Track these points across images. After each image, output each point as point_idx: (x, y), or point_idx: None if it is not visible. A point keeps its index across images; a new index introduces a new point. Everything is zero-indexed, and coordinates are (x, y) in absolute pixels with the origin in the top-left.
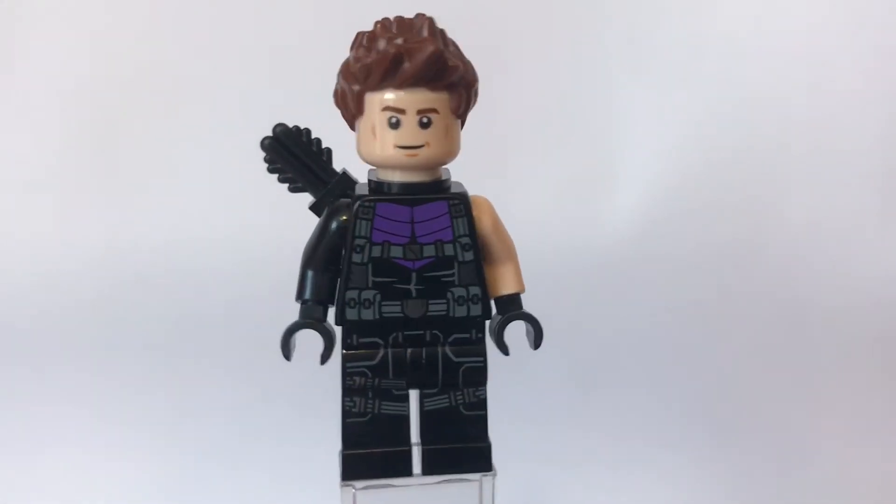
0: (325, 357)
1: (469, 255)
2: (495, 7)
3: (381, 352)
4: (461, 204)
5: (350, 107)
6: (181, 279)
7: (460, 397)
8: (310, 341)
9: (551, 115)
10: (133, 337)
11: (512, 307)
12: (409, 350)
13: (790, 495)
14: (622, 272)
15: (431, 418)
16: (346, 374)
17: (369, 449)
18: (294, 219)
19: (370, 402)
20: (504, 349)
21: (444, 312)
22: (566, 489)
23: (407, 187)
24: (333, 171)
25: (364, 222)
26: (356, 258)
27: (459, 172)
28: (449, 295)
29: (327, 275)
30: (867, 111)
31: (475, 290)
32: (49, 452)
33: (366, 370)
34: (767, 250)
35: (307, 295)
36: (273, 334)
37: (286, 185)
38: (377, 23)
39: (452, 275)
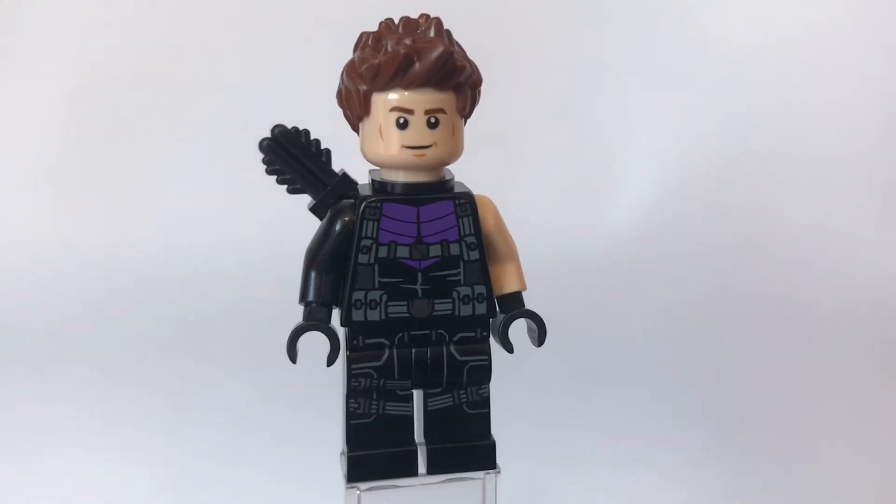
0: (331, 359)
1: (474, 255)
2: (495, 7)
3: (387, 352)
4: (467, 203)
5: (355, 107)
6: (181, 279)
7: (464, 396)
8: (311, 343)
9: (551, 116)
10: (133, 337)
11: (515, 305)
12: (414, 350)
13: (790, 495)
14: (623, 273)
15: (435, 418)
16: (352, 376)
17: (374, 450)
18: (294, 220)
19: (374, 403)
20: (508, 347)
21: (449, 312)
22: (566, 489)
23: (412, 187)
24: (333, 172)
25: (370, 223)
26: (362, 259)
27: (460, 172)
28: (454, 294)
29: (331, 276)
30: (867, 112)
31: (480, 288)
32: (49, 452)
33: (371, 371)
34: (768, 251)
35: (311, 297)
36: (273, 335)
37: (285, 186)
38: (382, 23)
39: (458, 274)
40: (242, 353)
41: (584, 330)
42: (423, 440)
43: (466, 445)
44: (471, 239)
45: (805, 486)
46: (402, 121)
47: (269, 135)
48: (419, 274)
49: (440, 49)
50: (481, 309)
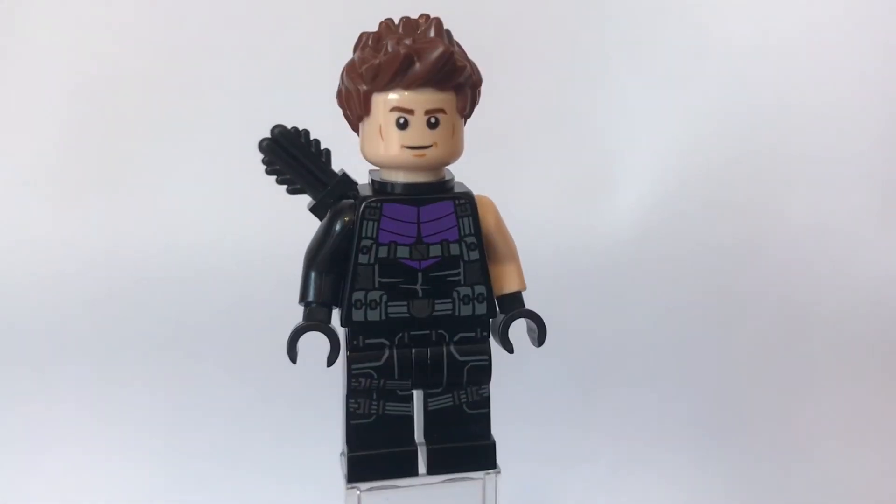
0: (331, 359)
1: (474, 255)
2: (495, 7)
3: (387, 352)
4: (467, 203)
5: (355, 107)
6: (181, 279)
7: (464, 396)
8: (311, 343)
9: (551, 116)
10: (133, 337)
11: (515, 305)
12: (414, 350)
13: (790, 496)
14: (622, 272)
15: (435, 418)
16: (352, 376)
17: (374, 450)
18: (294, 220)
19: (374, 403)
20: (508, 347)
21: (449, 312)
22: (566, 489)
23: (412, 187)
24: (333, 172)
25: (370, 223)
26: (362, 259)
27: (460, 172)
28: (454, 294)
29: (331, 276)
30: (868, 111)
31: (480, 289)
32: (49, 452)
33: (371, 371)
34: (768, 251)
35: (311, 297)
36: (273, 335)
37: (285, 186)
38: (382, 23)
39: (458, 274)
40: (243, 354)
41: (585, 330)
42: (423, 440)
43: (466, 445)
44: (471, 239)
45: (805, 486)
46: (402, 121)
47: (268, 135)
48: (419, 274)
49: (440, 49)
50: (481, 309)
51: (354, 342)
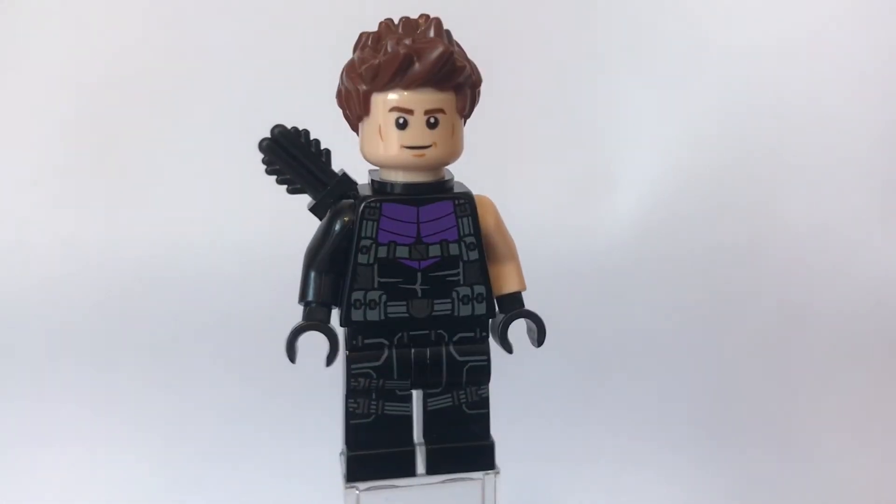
0: (330, 359)
1: (474, 255)
2: (493, 8)
3: (386, 352)
4: (466, 203)
5: (355, 107)
6: (181, 279)
7: (463, 396)
8: (311, 343)
9: (551, 117)
10: (133, 337)
11: (515, 305)
12: (413, 350)
13: (790, 495)
14: (623, 273)
15: (434, 418)
16: (351, 376)
17: (373, 450)
18: (295, 220)
19: (374, 403)
20: (508, 347)
21: (448, 312)
22: (567, 489)
23: (411, 187)
24: (333, 172)
25: (370, 223)
26: (362, 259)
27: (460, 172)
28: (454, 294)
29: (331, 276)
30: (868, 112)
31: (480, 289)
32: (49, 452)
33: (371, 371)
34: (768, 251)
35: (311, 297)
36: (274, 335)
37: (285, 186)
38: (382, 23)
39: (457, 274)
40: (243, 354)
41: (585, 330)
42: (422, 440)
43: (465, 446)
44: (470, 239)
45: (805, 486)
46: (401, 121)
47: (268, 135)
48: (419, 274)
49: (440, 49)
50: (481, 309)
51: (354, 342)
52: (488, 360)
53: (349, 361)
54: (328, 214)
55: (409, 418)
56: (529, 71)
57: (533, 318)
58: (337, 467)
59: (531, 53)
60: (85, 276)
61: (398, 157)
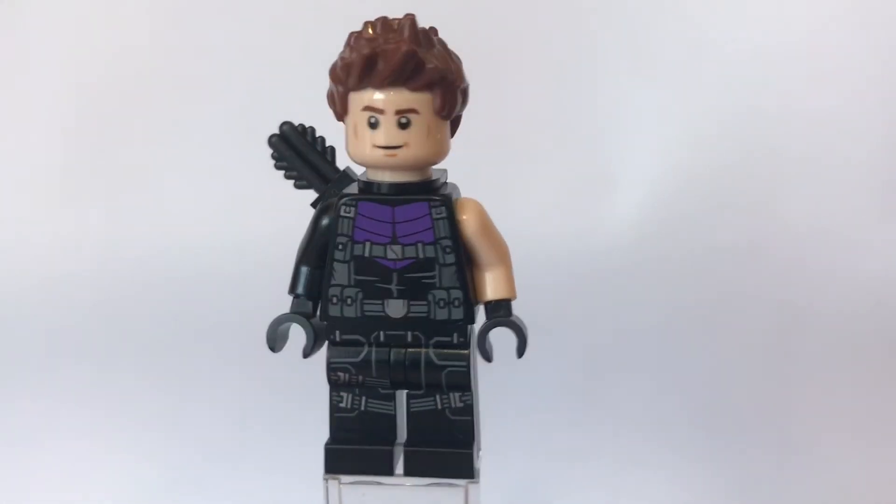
0: (306, 350)
1: (450, 258)
2: (493, 8)
3: (364, 350)
4: (442, 206)
5: (337, 106)
6: (181, 279)
7: (447, 401)
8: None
9: (551, 117)
10: (133, 337)
11: (498, 313)
12: (391, 350)
13: (791, 495)
14: (622, 274)
15: (417, 420)
16: (330, 369)
17: (352, 445)
18: (294, 220)
19: (357, 398)
20: (486, 356)
21: (425, 314)
22: (566, 488)
23: (391, 187)
24: (336, 168)
25: (346, 220)
26: (338, 255)
27: (460, 173)
28: (430, 297)
29: (318, 271)
30: (868, 112)
31: (456, 293)
32: (49, 452)
33: (349, 366)
34: (768, 252)
35: (299, 289)
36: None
37: (292, 181)
38: (365, 23)
39: (433, 277)
40: (243, 353)
41: (585, 330)
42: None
43: (444, 451)
44: (446, 242)
45: (805, 486)
46: (373, 120)
47: (277, 131)
48: (394, 274)
49: (403, 49)
50: (458, 314)
51: (332, 336)
52: (467, 367)
53: (327, 355)
54: (316, 211)
55: (392, 417)
56: (529, 71)
57: (512, 327)
58: None
59: (531, 54)
60: (85, 276)
61: (371, 156)
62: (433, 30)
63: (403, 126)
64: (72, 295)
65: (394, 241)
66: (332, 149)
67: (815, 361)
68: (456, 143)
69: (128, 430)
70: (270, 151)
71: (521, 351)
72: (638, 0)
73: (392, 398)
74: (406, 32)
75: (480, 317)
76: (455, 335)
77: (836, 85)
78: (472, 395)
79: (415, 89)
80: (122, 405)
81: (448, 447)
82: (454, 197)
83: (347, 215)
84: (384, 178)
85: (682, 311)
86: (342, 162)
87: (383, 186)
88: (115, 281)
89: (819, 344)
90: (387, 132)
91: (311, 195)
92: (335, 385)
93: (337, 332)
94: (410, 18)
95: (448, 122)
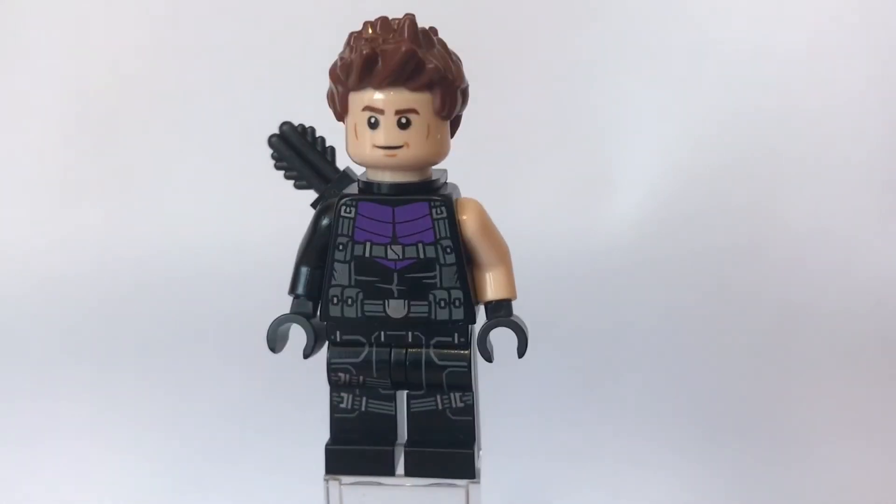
0: (306, 351)
1: (451, 258)
2: (493, 8)
3: (365, 350)
4: (442, 206)
5: (337, 107)
6: (182, 280)
7: (447, 401)
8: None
9: (550, 117)
10: (133, 337)
11: (498, 313)
12: (392, 350)
13: (790, 495)
14: (622, 275)
15: (417, 420)
16: (331, 370)
17: (353, 445)
18: (294, 220)
19: (357, 399)
20: (486, 356)
21: (426, 315)
22: (566, 488)
23: (391, 187)
24: (336, 168)
25: (346, 221)
26: (338, 256)
27: (460, 173)
28: (431, 297)
29: (318, 271)
30: (869, 114)
31: (457, 293)
32: (49, 452)
33: (350, 367)
34: (768, 252)
35: (299, 290)
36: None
37: (292, 181)
38: (365, 23)
39: (434, 277)
40: (243, 353)
41: (585, 330)
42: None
43: (445, 452)
44: (447, 242)
45: (805, 486)
46: (372, 120)
47: (277, 131)
48: (395, 274)
49: (403, 48)
50: (458, 314)
51: (332, 337)
52: (468, 367)
53: (328, 356)
54: (316, 211)
55: (393, 418)
56: (529, 71)
57: (512, 327)
58: None
59: (531, 54)
60: (85, 276)
61: (371, 156)
62: (433, 30)
63: (403, 126)
64: (72, 295)
65: (394, 242)
66: (332, 149)
67: (815, 361)
68: (456, 143)
69: (128, 430)
70: (270, 152)
71: (521, 351)
72: (638, 0)
73: (392, 398)
74: (406, 32)
75: (481, 317)
76: (456, 335)
77: (836, 85)
78: (472, 395)
79: (415, 89)
80: (122, 405)
81: (449, 447)
82: (454, 197)
83: (347, 215)
84: (384, 179)
85: (682, 311)
86: (342, 162)
87: (383, 186)
88: (115, 281)
89: (819, 344)
90: (387, 132)
91: (311, 195)
92: (336, 385)
93: (337, 333)
94: (410, 18)
95: (448, 123)
